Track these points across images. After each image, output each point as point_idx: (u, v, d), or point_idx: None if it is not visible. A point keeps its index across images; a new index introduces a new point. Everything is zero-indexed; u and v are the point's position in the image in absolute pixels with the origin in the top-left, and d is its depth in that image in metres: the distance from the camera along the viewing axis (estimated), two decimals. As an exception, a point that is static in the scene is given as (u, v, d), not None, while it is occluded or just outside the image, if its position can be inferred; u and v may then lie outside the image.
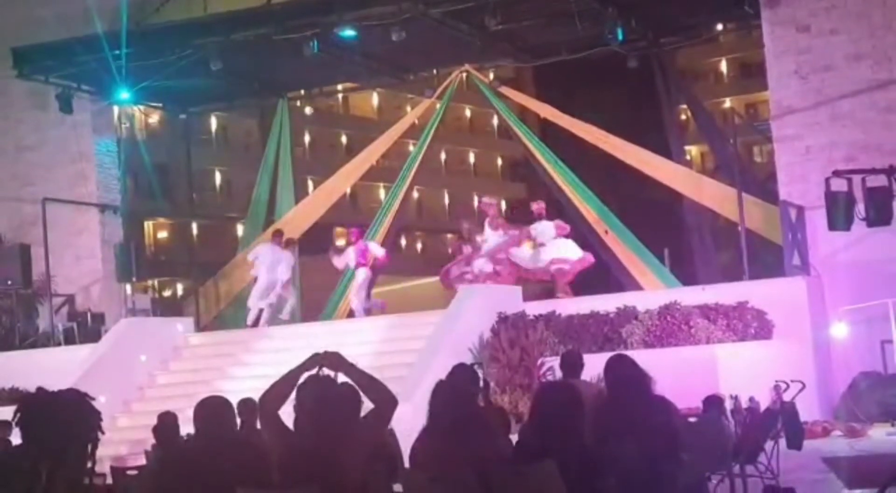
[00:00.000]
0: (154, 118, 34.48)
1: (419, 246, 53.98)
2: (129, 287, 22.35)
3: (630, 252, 21.12)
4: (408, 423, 7.48)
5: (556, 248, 19.55)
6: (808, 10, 18.19)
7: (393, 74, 23.62)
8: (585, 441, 6.19)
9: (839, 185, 15.12)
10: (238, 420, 8.90)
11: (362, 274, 20.46)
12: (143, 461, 11.32)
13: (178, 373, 19.03)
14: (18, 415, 5.07)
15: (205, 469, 6.09)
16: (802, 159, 18.03)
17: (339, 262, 20.88)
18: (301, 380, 5.61)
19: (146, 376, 18.93)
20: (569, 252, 19.55)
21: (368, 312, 20.38)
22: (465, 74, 22.85)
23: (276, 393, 5.61)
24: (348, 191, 32.60)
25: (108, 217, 22.12)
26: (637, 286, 20.32)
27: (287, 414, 5.63)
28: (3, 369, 18.72)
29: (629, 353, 8.84)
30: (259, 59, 20.94)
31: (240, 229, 28.71)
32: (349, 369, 5.57)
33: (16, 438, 6.03)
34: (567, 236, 19.72)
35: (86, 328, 20.72)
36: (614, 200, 22.29)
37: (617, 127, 22.39)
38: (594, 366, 9.90)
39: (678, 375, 12.08)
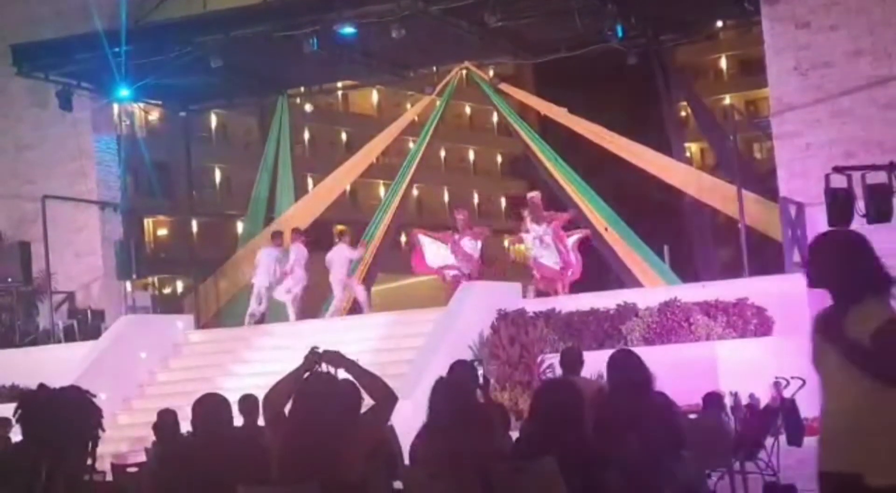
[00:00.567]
0: (154, 116, 34.44)
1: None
2: (129, 285, 22.35)
3: (630, 249, 21.11)
4: (408, 420, 7.48)
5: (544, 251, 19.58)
6: (808, 7, 18.18)
7: (393, 72, 23.60)
8: (586, 438, 6.19)
9: (839, 181, 15.09)
10: (240, 417, 8.92)
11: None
12: (143, 458, 11.33)
13: (178, 370, 19.03)
14: (19, 412, 5.07)
15: (205, 466, 6.10)
16: (802, 156, 18.02)
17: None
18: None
19: (146, 373, 18.94)
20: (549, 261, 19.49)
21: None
22: (464, 72, 22.83)
23: (280, 392, 5.62)
24: (348, 188, 32.63)
25: (108, 214, 22.11)
26: (637, 283, 20.31)
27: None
28: (3, 366, 18.72)
29: (629, 350, 8.80)
30: (259, 56, 20.93)
31: (240, 227, 28.72)
32: (350, 365, 5.57)
33: (16, 435, 6.03)
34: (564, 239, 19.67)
35: (86, 326, 20.71)
36: (614, 197, 22.29)
37: (617, 124, 22.39)
38: (594, 363, 9.91)
39: (678, 372, 12.07)
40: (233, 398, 7.17)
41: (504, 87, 23.53)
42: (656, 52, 21.85)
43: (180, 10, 20.80)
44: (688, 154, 31.89)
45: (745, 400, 12.86)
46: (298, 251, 20.53)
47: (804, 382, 12.10)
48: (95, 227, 22.05)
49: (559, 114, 22.35)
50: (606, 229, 21.18)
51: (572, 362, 9.71)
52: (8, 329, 21.04)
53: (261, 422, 6.32)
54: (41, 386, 5.18)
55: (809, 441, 12.53)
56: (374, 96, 56.34)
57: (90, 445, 4.83)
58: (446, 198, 60.29)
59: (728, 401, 12.27)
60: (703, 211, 21.48)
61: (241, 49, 20.06)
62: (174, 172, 34.98)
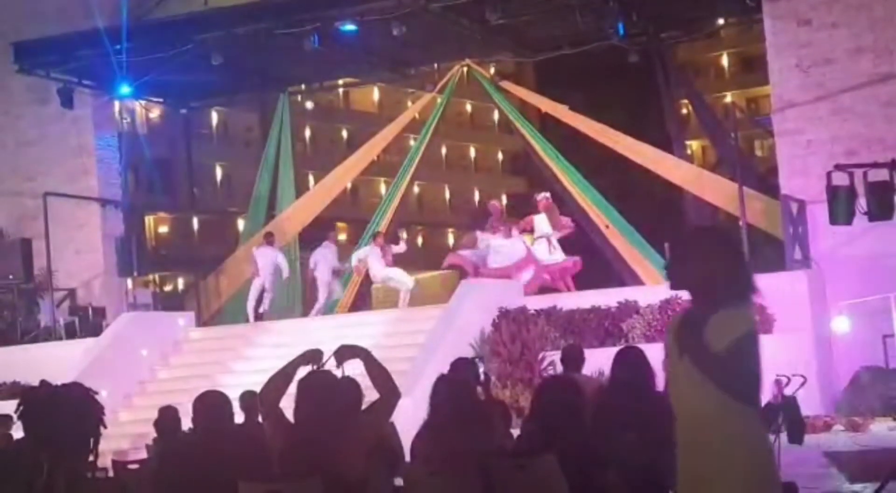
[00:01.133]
0: (155, 113, 34.48)
1: (420, 241, 53.98)
2: (130, 282, 22.35)
3: (631, 246, 21.11)
4: (409, 417, 7.48)
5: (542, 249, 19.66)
6: (809, 4, 18.16)
7: (393, 69, 23.59)
8: (586, 435, 6.20)
9: (840, 179, 15.11)
10: (241, 414, 8.93)
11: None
12: (144, 455, 11.33)
13: (179, 367, 19.04)
14: (21, 409, 5.07)
15: (206, 463, 6.10)
16: (804, 153, 18.01)
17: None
18: (303, 374, 5.62)
19: (147, 370, 18.95)
20: (554, 256, 19.56)
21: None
22: (465, 69, 22.83)
23: (274, 387, 5.63)
24: (349, 186, 32.65)
25: (108, 212, 22.11)
26: (638, 281, 20.32)
27: (289, 408, 5.63)
28: (4, 363, 18.73)
29: (630, 347, 8.80)
30: (260, 53, 20.93)
31: (240, 224, 28.74)
32: (366, 356, 5.61)
33: (17, 432, 6.03)
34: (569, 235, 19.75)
35: (87, 323, 20.72)
36: (615, 195, 22.30)
37: (618, 121, 22.39)
38: (595, 361, 9.93)
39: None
40: (233, 395, 7.18)
41: (505, 84, 23.53)
42: (657, 49, 21.85)
43: (181, 8, 20.79)
44: (689, 152, 31.91)
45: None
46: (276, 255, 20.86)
47: (805, 379, 12.09)
48: (96, 224, 22.05)
49: (560, 111, 22.35)
50: (608, 227, 21.19)
51: (573, 359, 9.70)
52: (9, 326, 21.04)
53: (260, 419, 6.32)
54: (43, 383, 5.18)
55: (810, 439, 12.55)
56: (375, 94, 56.34)
57: (92, 442, 4.84)
58: (447, 195, 60.32)
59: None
60: (704, 209, 21.47)
61: (242, 46, 20.06)
62: (175, 170, 35.01)
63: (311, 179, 36.06)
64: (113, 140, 22.78)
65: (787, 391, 11.93)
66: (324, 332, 17.74)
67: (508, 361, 16.17)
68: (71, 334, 20.35)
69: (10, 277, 20.66)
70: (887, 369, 16.28)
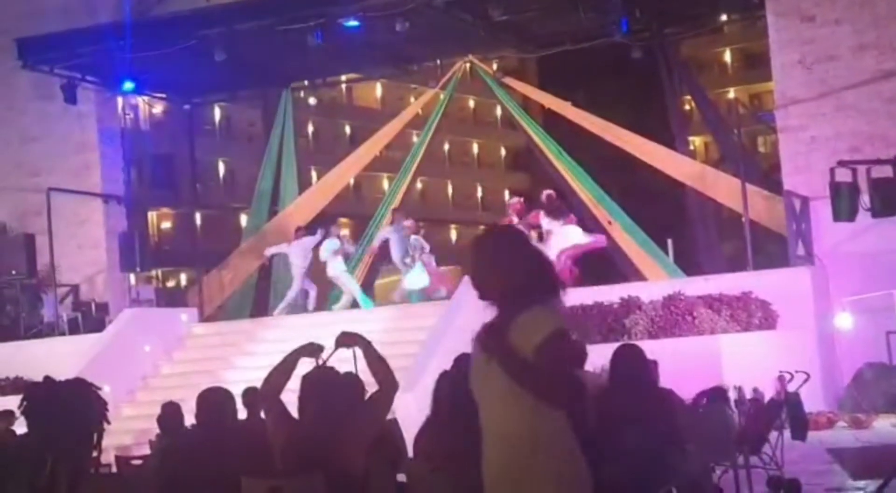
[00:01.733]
0: (158, 109, 34.48)
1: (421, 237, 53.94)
2: (132, 277, 22.36)
3: (633, 243, 21.10)
4: (411, 413, 7.49)
5: (563, 237, 19.37)
6: (813, 1, 18.15)
7: (396, 65, 23.59)
8: (589, 431, 6.19)
9: (844, 175, 15.09)
10: (244, 410, 8.93)
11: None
12: (147, 451, 11.34)
13: (182, 363, 19.05)
14: (24, 404, 5.08)
15: (208, 459, 6.11)
16: (807, 150, 18.00)
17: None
18: (305, 370, 5.62)
19: (150, 366, 18.96)
20: (576, 238, 19.34)
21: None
22: (468, 65, 22.82)
23: (274, 381, 5.64)
24: (352, 181, 32.65)
25: (112, 207, 22.13)
26: (641, 277, 20.30)
27: (290, 403, 5.64)
28: (7, 359, 18.74)
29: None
30: (263, 49, 20.92)
31: (243, 220, 28.74)
32: (366, 346, 5.62)
33: (20, 427, 6.03)
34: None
35: (90, 318, 20.74)
36: (618, 191, 22.30)
37: (620, 117, 22.39)
38: (598, 357, 9.91)
39: (682, 365, 12.09)
40: (236, 391, 7.19)
41: (508, 80, 23.50)
42: (660, 45, 21.84)
43: (184, 3, 20.78)
44: (692, 148, 31.91)
45: (749, 394, 12.84)
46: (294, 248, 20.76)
47: (808, 376, 12.11)
48: (99, 220, 22.07)
49: (563, 107, 22.34)
50: (610, 223, 21.18)
51: (576, 355, 9.69)
52: (12, 322, 21.06)
53: (263, 414, 6.33)
54: (46, 379, 5.18)
55: (814, 436, 12.55)
56: (378, 90, 56.34)
57: (95, 437, 4.84)
58: (450, 191, 60.33)
59: (732, 395, 12.25)
60: (707, 205, 21.47)
61: (244, 42, 20.05)
62: (178, 165, 35.02)
63: (313, 174, 36.07)
64: (116, 136, 22.80)
65: (791, 388, 11.94)
66: (327, 328, 17.70)
67: (511, 357, 16.13)
68: (74, 329, 20.37)
69: (14, 272, 20.67)
70: (890, 366, 16.28)
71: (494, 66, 23.74)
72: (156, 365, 19.05)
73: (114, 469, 10.06)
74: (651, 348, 8.42)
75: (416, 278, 20.00)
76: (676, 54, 23.03)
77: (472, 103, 59.71)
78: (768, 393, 12.40)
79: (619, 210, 21.47)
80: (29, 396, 5.08)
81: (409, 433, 7.24)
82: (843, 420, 15.01)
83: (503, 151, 63.82)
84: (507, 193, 59.93)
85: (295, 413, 5.57)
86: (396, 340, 17.25)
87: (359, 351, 5.69)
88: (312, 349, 5.65)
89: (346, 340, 5.64)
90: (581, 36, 20.90)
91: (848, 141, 17.62)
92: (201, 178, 35.88)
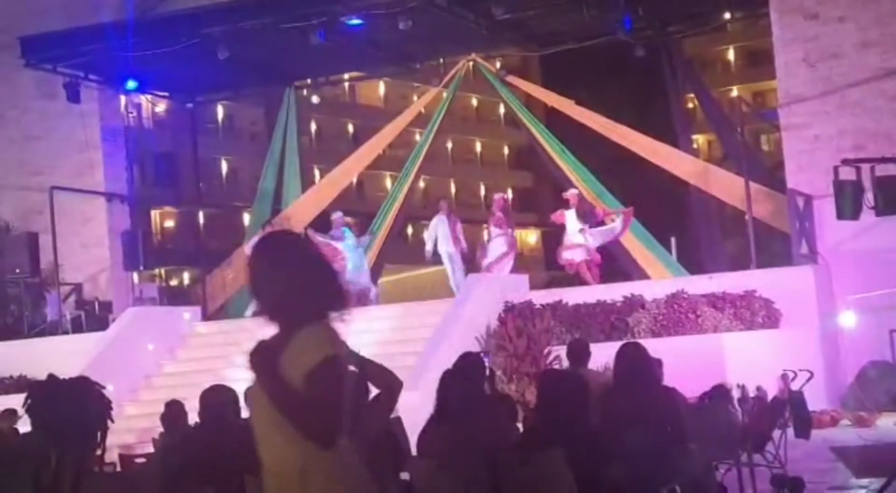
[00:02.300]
0: (161, 107, 34.51)
1: (425, 235, 53.96)
2: (136, 276, 22.37)
3: (637, 241, 21.08)
4: (415, 411, 7.48)
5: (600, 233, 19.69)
6: (817, -2, 18.14)
7: (399, 63, 23.58)
8: (592, 430, 6.19)
9: (847, 173, 15.07)
10: (247, 408, 8.92)
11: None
12: (151, 449, 11.34)
13: (185, 362, 19.06)
14: (28, 403, 5.07)
15: (212, 457, 6.11)
16: (810, 148, 17.98)
17: None
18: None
19: (153, 364, 18.97)
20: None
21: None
22: (471, 63, 22.80)
23: None
24: (355, 180, 32.63)
25: (115, 206, 22.14)
26: (644, 275, 20.30)
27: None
28: (11, 357, 18.76)
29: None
30: (266, 47, 20.91)
31: (246, 218, 28.75)
32: (354, 360, 5.56)
33: (24, 426, 6.04)
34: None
35: (93, 317, 20.76)
36: (621, 189, 22.26)
37: (623, 116, 22.36)
38: (601, 355, 9.92)
39: (685, 364, 12.08)
40: (240, 389, 7.17)
41: (511, 78, 23.49)
42: (664, 43, 21.82)
43: (187, 2, 20.80)
44: (695, 146, 31.89)
45: (752, 392, 12.83)
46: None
47: (812, 374, 12.11)
48: (102, 218, 22.09)
49: (566, 106, 22.32)
50: (613, 221, 21.15)
51: (579, 354, 9.70)
52: (16, 321, 21.07)
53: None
54: (50, 377, 5.18)
55: (817, 434, 12.54)
56: (381, 88, 56.34)
57: (99, 436, 4.83)
58: (453, 190, 60.28)
59: (735, 393, 12.25)
60: (710, 203, 21.44)
61: (248, 40, 20.04)
62: (181, 164, 35.05)
63: (316, 173, 36.08)
64: (119, 134, 22.81)
65: (794, 386, 11.95)
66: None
67: (514, 355, 16.16)
68: (77, 328, 20.39)
69: (17, 271, 20.69)
70: (894, 364, 16.26)
71: (497, 65, 23.74)
72: (159, 364, 19.06)
73: (117, 468, 10.06)
74: (654, 346, 8.41)
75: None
76: (679, 52, 23.01)
77: (475, 102, 59.70)
78: (772, 392, 12.40)
79: (621, 208, 21.43)
80: (32, 394, 5.07)
81: (413, 431, 7.24)
82: (846, 419, 15.00)
83: (506, 150, 63.82)
84: (510, 191, 60.08)
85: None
86: (401, 338, 17.27)
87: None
88: None
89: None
90: (584, 34, 20.89)
91: (852, 139, 17.60)
92: (204, 176, 35.79)
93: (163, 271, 40.17)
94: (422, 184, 46.75)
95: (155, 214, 44.62)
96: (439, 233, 20.38)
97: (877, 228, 16.15)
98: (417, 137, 26.59)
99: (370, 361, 5.62)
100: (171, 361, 19.22)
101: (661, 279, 19.27)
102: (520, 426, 8.47)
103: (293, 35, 19.75)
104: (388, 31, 19.82)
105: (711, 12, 21.66)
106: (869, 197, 14.75)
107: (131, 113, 24.90)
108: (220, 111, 47.84)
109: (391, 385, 5.60)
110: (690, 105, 29.25)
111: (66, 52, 20.73)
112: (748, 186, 18.26)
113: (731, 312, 16.12)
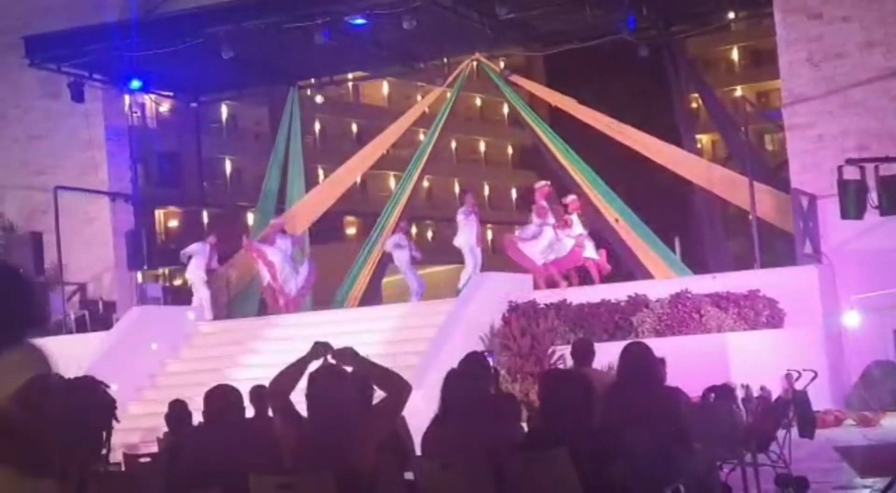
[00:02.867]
0: (165, 107, 34.53)
1: (429, 235, 53.98)
2: (140, 275, 22.39)
3: (640, 240, 21.08)
4: (419, 411, 7.48)
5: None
6: (820, -2, 18.13)
7: (403, 63, 23.60)
8: (596, 429, 6.19)
9: (851, 173, 15.06)
10: (251, 407, 8.94)
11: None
12: (155, 448, 11.35)
13: (189, 361, 19.08)
14: (32, 402, 5.08)
15: (216, 457, 6.11)
16: (814, 147, 17.97)
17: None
18: (312, 368, 5.61)
19: (157, 364, 18.99)
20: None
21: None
22: (475, 63, 22.81)
23: (284, 381, 5.62)
24: (358, 180, 32.62)
25: (119, 205, 22.17)
26: (647, 275, 20.29)
27: (299, 403, 5.63)
28: (14, 357, 18.76)
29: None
30: (270, 47, 20.94)
31: (250, 218, 28.74)
32: (359, 363, 5.55)
33: (29, 425, 6.02)
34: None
35: (97, 316, 20.79)
36: (625, 189, 22.26)
37: (627, 115, 22.35)
38: (605, 355, 9.92)
39: (689, 363, 12.08)
40: (243, 389, 7.18)
41: (515, 78, 23.50)
42: (668, 43, 21.83)
43: (191, 1, 20.82)
44: (699, 146, 31.83)
45: (756, 392, 12.83)
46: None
47: (816, 374, 12.09)
48: (106, 218, 22.11)
49: (570, 105, 22.32)
50: (617, 221, 21.16)
51: (583, 353, 9.69)
52: (19, 320, 21.07)
53: (271, 412, 6.32)
54: (55, 376, 5.18)
55: (821, 434, 12.53)
56: (385, 88, 56.31)
57: (104, 435, 4.84)
58: (457, 189, 60.26)
59: (739, 393, 12.25)
60: (714, 203, 21.44)
61: (252, 40, 20.08)
62: (185, 163, 35.03)
63: (320, 172, 36.11)
64: (123, 134, 22.83)
65: (798, 386, 11.94)
66: (333, 326, 17.76)
67: (518, 355, 16.17)
68: (81, 327, 20.41)
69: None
70: (898, 364, 16.25)
71: (501, 64, 23.74)
72: (163, 363, 19.08)
73: (122, 467, 10.07)
74: (658, 345, 8.42)
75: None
76: (683, 52, 23.02)
77: (479, 101, 59.65)
78: (776, 391, 12.40)
79: (626, 208, 21.44)
80: (37, 393, 5.07)
81: (417, 430, 7.24)
82: (850, 418, 14.99)
83: (510, 149, 63.77)
84: (514, 191, 60.06)
85: (303, 411, 5.57)
86: (404, 338, 17.28)
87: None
88: (323, 349, 5.62)
89: (337, 357, 5.55)
90: (588, 34, 20.90)
91: (855, 139, 17.59)
92: (208, 176, 35.87)
93: (167, 270, 40.13)
94: (426, 183, 46.80)
95: (159, 213, 44.58)
96: (466, 226, 20.03)
97: (881, 228, 16.14)
98: (421, 137, 26.59)
99: (375, 364, 5.61)
100: (175, 360, 19.24)
101: (664, 279, 19.27)
102: (524, 425, 8.47)
103: (297, 35, 19.79)
104: (392, 31, 19.84)
105: (715, 12, 21.67)
106: (873, 197, 14.74)
107: (135, 112, 24.96)
108: (223, 111, 47.83)
109: (399, 389, 5.57)
110: (694, 105, 29.26)
111: (70, 51, 20.78)
112: (752, 186, 18.26)
113: (734, 311, 16.12)
